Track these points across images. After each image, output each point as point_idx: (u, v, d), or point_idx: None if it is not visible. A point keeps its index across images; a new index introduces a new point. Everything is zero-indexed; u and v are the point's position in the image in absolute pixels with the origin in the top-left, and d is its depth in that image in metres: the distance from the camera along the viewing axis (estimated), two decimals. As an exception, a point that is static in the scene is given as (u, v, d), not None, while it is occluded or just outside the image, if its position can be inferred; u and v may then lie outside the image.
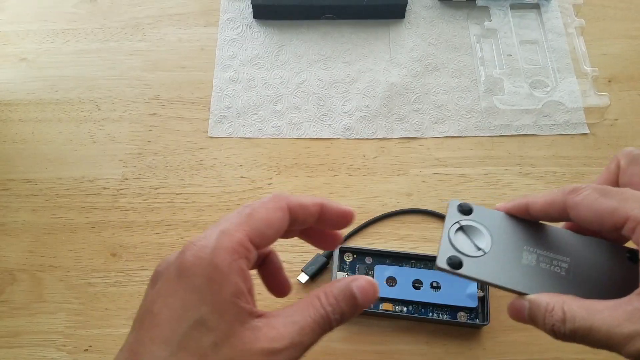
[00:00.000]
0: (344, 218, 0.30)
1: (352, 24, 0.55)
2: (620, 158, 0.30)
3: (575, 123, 0.50)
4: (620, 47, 0.54)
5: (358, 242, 0.45)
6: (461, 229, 0.30)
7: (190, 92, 0.52)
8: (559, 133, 0.49)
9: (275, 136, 0.49)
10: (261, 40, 0.54)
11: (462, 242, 0.29)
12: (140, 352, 0.25)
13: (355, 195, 0.47)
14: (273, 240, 0.28)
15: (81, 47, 0.54)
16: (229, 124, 0.50)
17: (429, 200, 0.46)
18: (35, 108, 0.51)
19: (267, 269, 0.32)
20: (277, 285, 0.33)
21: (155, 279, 0.27)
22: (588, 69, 0.51)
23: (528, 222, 0.30)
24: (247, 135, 0.49)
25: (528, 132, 0.49)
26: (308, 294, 0.28)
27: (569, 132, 0.49)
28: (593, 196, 0.27)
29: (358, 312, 0.28)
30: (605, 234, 0.30)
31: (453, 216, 0.30)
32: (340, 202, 0.45)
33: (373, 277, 0.41)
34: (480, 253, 0.29)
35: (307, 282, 0.42)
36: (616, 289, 0.27)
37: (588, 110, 0.50)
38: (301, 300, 0.27)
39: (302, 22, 0.55)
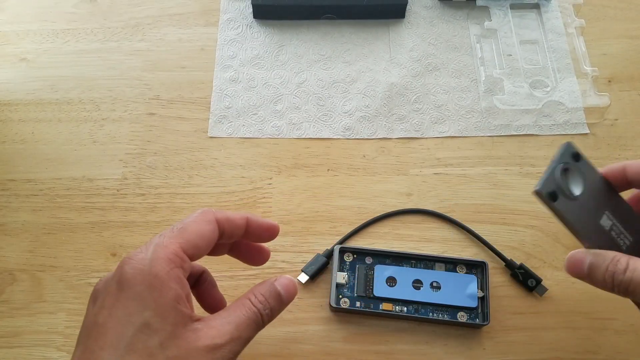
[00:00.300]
0: (269, 231, 0.33)
1: (352, 24, 0.55)
2: None
3: (575, 123, 0.50)
4: (620, 47, 0.54)
5: (358, 242, 0.45)
6: (565, 170, 0.31)
7: (190, 92, 0.52)
8: (559, 133, 0.49)
9: (275, 136, 0.49)
10: (261, 40, 0.54)
11: (561, 181, 0.31)
12: None
13: (355, 195, 0.47)
14: (205, 251, 0.30)
15: (81, 47, 0.54)
16: (229, 124, 0.50)
17: (429, 200, 0.46)
18: (35, 108, 0.51)
19: (202, 287, 0.35)
20: (212, 302, 0.35)
21: (95, 297, 0.29)
22: (588, 69, 0.51)
23: (616, 195, 0.33)
24: (247, 135, 0.49)
25: (528, 132, 0.49)
26: (239, 297, 0.30)
27: (569, 132, 0.49)
28: None
29: (284, 307, 0.31)
30: None
31: (563, 156, 0.32)
32: (340, 202, 0.46)
33: (373, 277, 0.41)
34: (570, 197, 0.31)
35: (307, 282, 0.42)
36: None
37: (588, 110, 0.50)
38: (233, 303, 0.30)
39: (302, 22, 0.55)
